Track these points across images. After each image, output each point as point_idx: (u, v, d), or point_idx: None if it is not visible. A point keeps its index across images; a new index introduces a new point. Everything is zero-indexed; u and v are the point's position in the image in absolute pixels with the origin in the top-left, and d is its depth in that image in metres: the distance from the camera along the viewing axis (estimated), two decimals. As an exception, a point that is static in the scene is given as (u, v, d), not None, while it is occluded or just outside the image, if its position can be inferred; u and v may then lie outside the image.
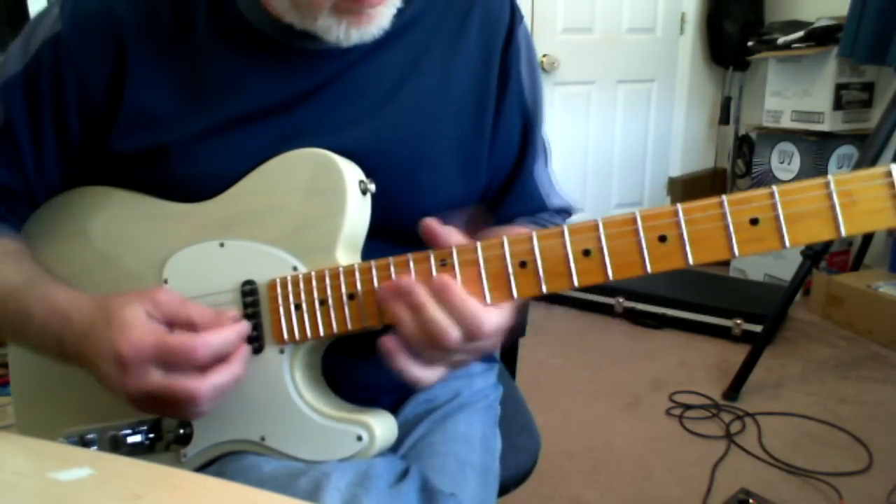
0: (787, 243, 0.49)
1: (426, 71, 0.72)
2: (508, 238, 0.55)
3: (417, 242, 0.72)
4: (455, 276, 0.57)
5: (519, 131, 0.79)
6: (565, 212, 0.84)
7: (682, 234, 0.50)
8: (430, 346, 0.56)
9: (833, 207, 0.48)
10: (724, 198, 0.50)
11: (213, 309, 0.61)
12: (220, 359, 0.59)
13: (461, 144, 0.74)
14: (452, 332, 0.55)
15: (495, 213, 0.79)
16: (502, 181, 0.79)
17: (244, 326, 0.62)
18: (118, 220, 0.70)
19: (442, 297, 0.56)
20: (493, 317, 0.56)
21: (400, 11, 0.69)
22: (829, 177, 0.48)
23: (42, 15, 0.70)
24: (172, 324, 0.59)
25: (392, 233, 0.70)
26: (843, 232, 0.48)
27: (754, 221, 0.49)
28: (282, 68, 0.69)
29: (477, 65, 0.74)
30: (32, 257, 0.68)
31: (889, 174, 0.47)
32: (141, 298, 0.59)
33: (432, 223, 0.59)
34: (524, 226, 0.77)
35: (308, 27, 0.65)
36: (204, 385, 0.57)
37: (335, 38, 0.65)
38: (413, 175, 0.71)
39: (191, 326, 0.59)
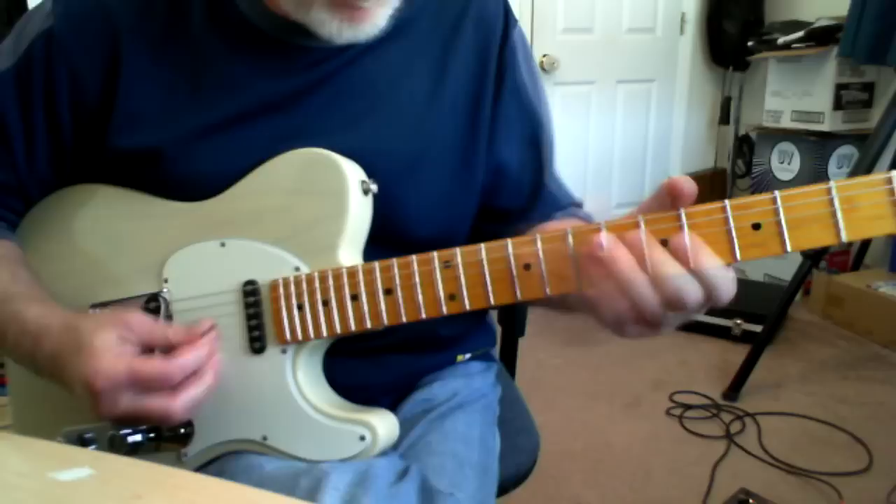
0: (789, 248, 0.49)
1: (422, 70, 0.73)
2: (512, 241, 0.55)
3: (417, 244, 0.72)
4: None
5: (528, 132, 0.79)
6: (578, 205, 0.84)
7: (684, 238, 0.50)
8: (666, 307, 0.49)
9: (834, 213, 0.48)
10: (727, 202, 0.50)
11: (185, 327, 0.61)
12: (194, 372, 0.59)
13: (457, 142, 0.74)
14: (695, 292, 0.49)
15: (533, 214, 0.78)
16: (531, 183, 0.79)
17: (215, 336, 0.62)
18: (116, 219, 0.70)
19: (695, 259, 0.48)
20: (731, 278, 0.50)
21: (395, 11, 0.69)
22: (831, 182, 0.48)
23: (34, 10, 0.69)
24: (149, 347, 0.59)
25: (391, 234, 0.70)
26: (844, 238, 0.48)
27: (756, 226, 0.49)
28: (279, 65, 0.69)
29: (473, 63, 0.74)
30: (15, 263, 0.68)
31: (890, 181, 0.47)
32: (114, 323, 0.58)
33: (678, 182, 0.49)
34: (565, 219, 0.78)
35: (302, 18, 0.64)
36: (177, 402, 0.57)
37: (328, 34, 0.64)
38: (411, 174, 0.71)
39: (168, 347, 0.59)
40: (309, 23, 0.64)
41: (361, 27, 0.65)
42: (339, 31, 0.64)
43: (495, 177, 0.77)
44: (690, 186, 0.49)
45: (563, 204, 0.81)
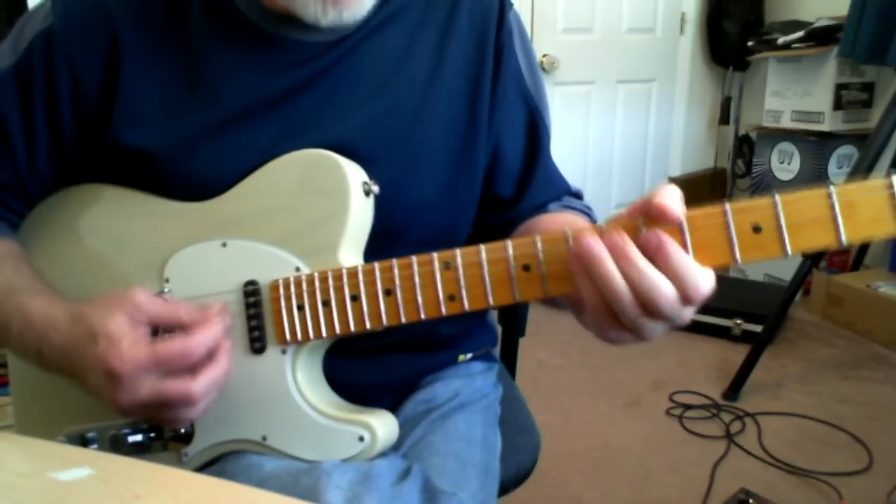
0: (789, 251, 0.49)
1: (418, 57, 0.73)
2: (512, 241, 0.55)
3: (419, 237, 0.72)
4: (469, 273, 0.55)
5: (524, 116, 0.79)
6: (577, 195, 0.84)
7: (685, 241, 0.50)
8: (642, 310, 0.49)
9: (835, 217, 0.48)
10: (727, 205, 0.50)
11: (196, 305, 0.61)
12: (209, 354, 0.59)
13: (458, 129, 0.74)
14: (668, 292, 0.48)
15: (525, 201, 0.78)
16: (521, 167, 0.79)
17: (229, 319, 0.61)
18: (118, 219, 0.70)
19: (657, 255, 0.49)
20: (709, 279, 0.49)
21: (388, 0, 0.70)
22: (831, 187, 0.48)
23: (34, 10, 0.70)
24: (158, 325, 0.59)
25: (393, 226, 0.69)
26: (844, 241, 0.48)
27: (757, 229, 0.50)
28: (276, 61, 0.69)
29: (470, 48, 0.74)
30: (18, 258, 0.68)
31: (891, 185, 0.47)
32: (121, 305, 0.57)
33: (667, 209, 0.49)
34: (562, 213, 0.77)
35: (286, 3, 0.65)
36: (196, 384, 0.57)
37: (312, 16, 0.64)
38: (412, 162, 0.71)
39: (180, 326, 0.59)
40: (292, 6, 0.64)
41: (347, 5, 0.64)
42: (323, 12, 0.64)
43: (491, 162, 0.77)
44: (675, 215, 0.49)
45: (556, 193, 0.80)
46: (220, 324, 0.59)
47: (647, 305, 0.49)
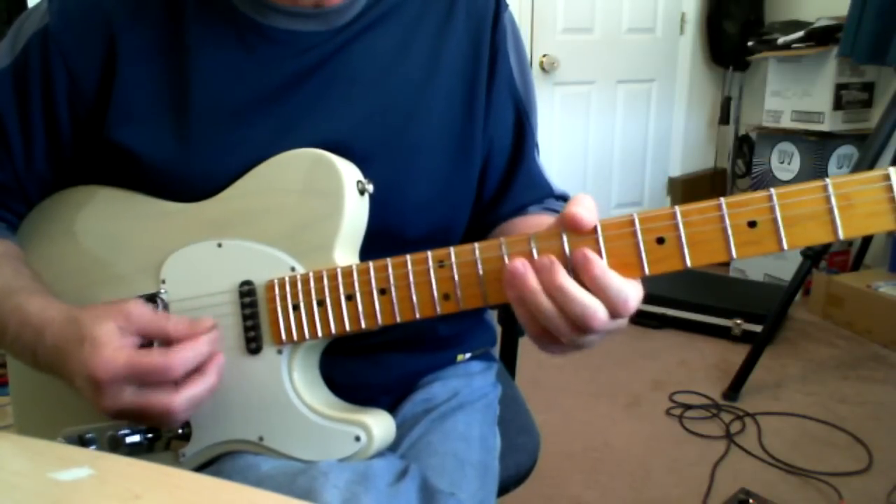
0: (785, 246, 0.49)
1: (414, 55, 0.73)
2: (506, 240, 0.55)
3: (415, 237, 0.72)
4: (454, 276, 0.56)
5: (512, 118, 0.79)
6: (563, 198, 0.83)
7: (680, 237, 0.50)
8: (575, 331, 0.51)
9: (831, 210, 0.48)
10: (723, 200, 0.50)
11: (187, 318, 0.60)
12: (195, 369, 0.59)
13: (453, 128, 0.74)
14: (599, 313, 0.50)
15: (505, 203, 0.78)
16: (504, 169, 0.79)
17: (216, 336, 0.61)
18: (114, 220, 0.70)
19: (583, 272, 0.50)
20: (636, 290, 0.51)
21: None
22: (828, 180, 0.48)
23: (31, 10, 0.70)
24: (147, 337, 0.59)
25: (389, 226, 0.70)
26: (841, 235, 0.48)
27: (752, 224, 0.49)
28: (269, 52, 0.69)
29: (466, 49, 0.75)
30: (16, 260, 0.68)
31: (888, 177, 0.47)
32: (113, 313, 0.58)
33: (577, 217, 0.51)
34: (539, 215, 0.77)
35: None
36: (178, 398, 0.57)
37: None
38: (408, 162, 0.71)
39: (166, 340, 0.59)
40: None
41: None
42: None
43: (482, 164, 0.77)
44: (588, 220, 0.51)
45: (537, 196, 0.80)
46: (206, 343, 0.59)
47: (581, 327, 0.51)
